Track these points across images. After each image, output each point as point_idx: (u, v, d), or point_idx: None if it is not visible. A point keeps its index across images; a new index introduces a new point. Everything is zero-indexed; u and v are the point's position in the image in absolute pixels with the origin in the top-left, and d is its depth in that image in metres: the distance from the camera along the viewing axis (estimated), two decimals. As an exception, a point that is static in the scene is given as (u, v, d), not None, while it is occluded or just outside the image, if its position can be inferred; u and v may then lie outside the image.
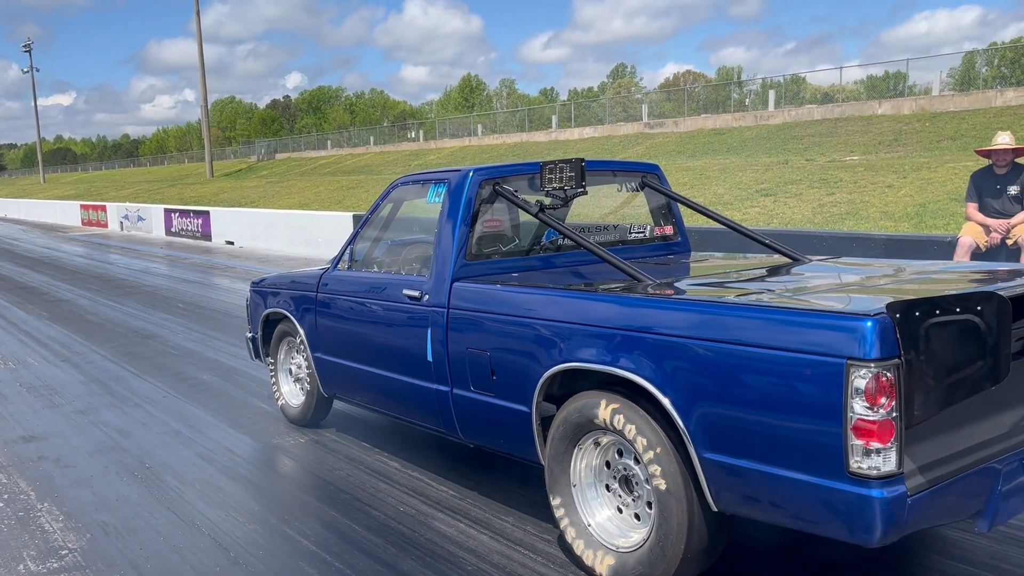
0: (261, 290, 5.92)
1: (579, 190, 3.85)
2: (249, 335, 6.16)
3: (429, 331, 4.19)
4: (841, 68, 39.51)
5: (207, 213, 22.81)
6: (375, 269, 4.88)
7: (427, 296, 4.23)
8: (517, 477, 4.62)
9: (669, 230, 5.04)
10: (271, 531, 4.04)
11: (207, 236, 22.57)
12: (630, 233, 4.92)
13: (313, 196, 32.85)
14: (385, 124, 73.78)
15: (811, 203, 16.35)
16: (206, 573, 3.60)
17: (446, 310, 4.10)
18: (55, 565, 3.72)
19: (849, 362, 2.52)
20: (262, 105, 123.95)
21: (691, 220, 6.51)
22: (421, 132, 59.71)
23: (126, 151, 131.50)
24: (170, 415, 6.03)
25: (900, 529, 2.57)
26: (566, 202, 4.02)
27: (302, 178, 43.45)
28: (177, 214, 24.62)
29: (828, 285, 3.60)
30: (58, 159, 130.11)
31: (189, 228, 23.62)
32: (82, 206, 33.08)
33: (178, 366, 7.59)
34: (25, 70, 79.07)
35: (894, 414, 2.52)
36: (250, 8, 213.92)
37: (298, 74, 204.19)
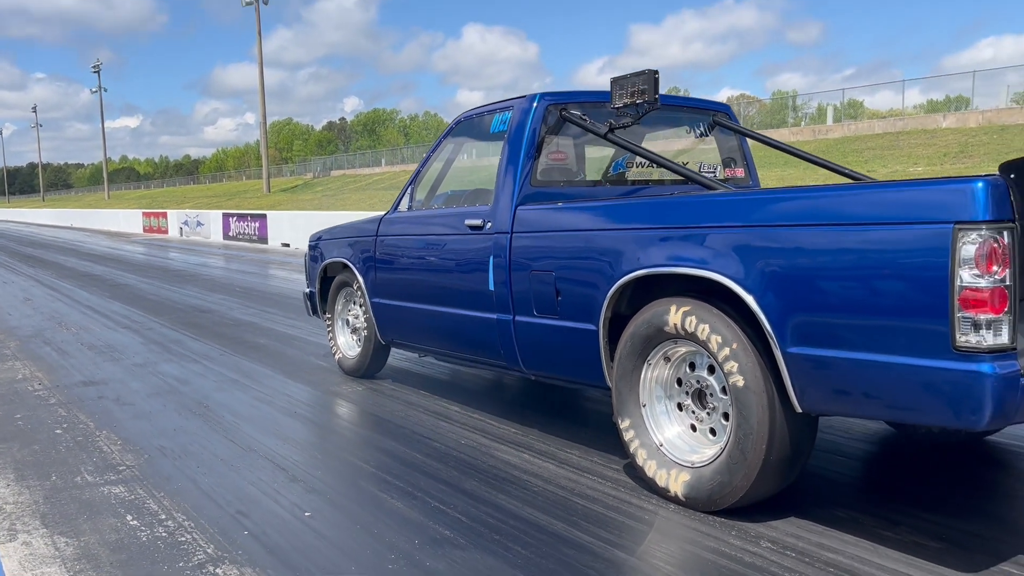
0: (319, 243, 5.88)
1: (651, 103, 3.71)
2: (307, 290, 6.13)
3: (492, 259, 4.07)
4: (904, 81, 38.56)
5: (264, 216, 23.16)
6: (435, 207, 4.79)
7: (490, 224, 4.12)
8: (580, 418, 4.47)
9: (740, 172, 4.86)
10: (330, 456, 3.95)
11: (263, 239, 22.89)
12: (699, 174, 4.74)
13: (368, 208, 33.18)
14: (438, 143, 74.28)
15: (874, 205, 15.90)
16: (264, 488, 3.50)
17: (509, 235, 3.98)
18: (113, 477, 3.67)
19: (957, 226, 2.32)
20: (319, 127, 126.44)
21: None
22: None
23: (187, 170, 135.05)
24: (227, 368, 6.00)
25: (1011, 411, 2.35)
26: (637, 119, 3.88)
27: (357, 192, 44.01)
28: (235, 218, 25.05)
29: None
30: (122, 178, 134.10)
31: (246, 232, 24.00)
32: (144, 213, 33.95)
33: (235, 333, 7.60)
34: (94, 90, 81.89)
35: (1007, 282, 2.32)
36: (313, 33, 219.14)
37: (356, 98, 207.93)
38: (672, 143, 4.86)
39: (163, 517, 3.18)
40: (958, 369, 2.35)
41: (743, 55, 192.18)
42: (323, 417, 4.72)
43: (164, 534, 3.02)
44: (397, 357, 6.27)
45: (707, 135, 4.85)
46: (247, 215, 24.35)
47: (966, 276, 2.33)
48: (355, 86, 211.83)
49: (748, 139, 4.92)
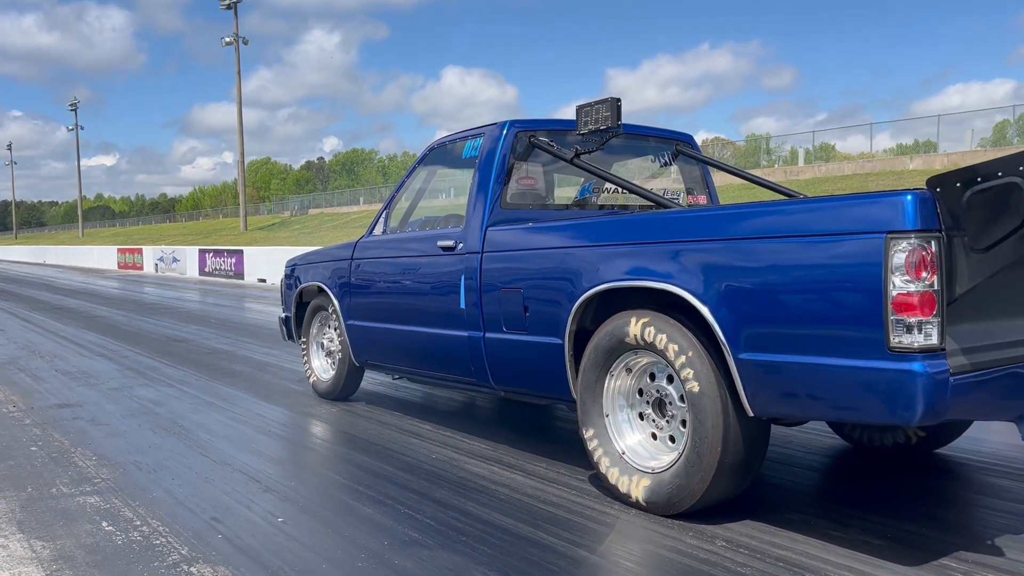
0: (295, 268, 6.00)
1: (615, 128, 3.91)
2: (282, 315, 6.23)
3: (463, 278, 4.23)
4: (872, 124, 39.67)
5: (240, 252, 23.19)
6: (409, 231, 4.95)
7: (461, 244, 4.28)
8: (549, 435, 4.60)
9: (703, 200, 5.07)
10: (303, 469, 4.04)
11: (240, 275, 22.91)
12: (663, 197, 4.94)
13: (344, 244, 33.28)
14: (416, 183, 74.74)
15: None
16: (238, 497, 3.59)
17: (480, 255, 4.14)
18: (88, 488, 3.73)
19: (889, 236, 2.51)
20: (297, 166, 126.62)
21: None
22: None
23: (163, 208, 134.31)
24: (203, 392, 6.07)
25: (941, 409, 2.51)
26: (601, 145, 4.08)
27: (334, 230, 44.11)
28: (211, 254, 25.06)
29: None
30: (97, 216, 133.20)
31: (222, 267, 24.01)
32: (119, 250, 33.82)
33: (211, 360, 7.66)
34: (70, 128, 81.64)
35: (935, 287, 2.50)
36: (293, 74, 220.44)
37: (335, 138, 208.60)
38: (637, 171, 5.07)
39: (138, 523, 3.26)
40: (892, 369, 2.52)
41: (718, 99, 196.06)
42: (297, 435, 4.81)
43: (139, 538, 3.10)
44: (371, 381, 6.37)
45: (670, 164, 5.07)
46: (223, 251, 24.38)
47: (898, 282, 2.51)
48: (334, 126, 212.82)
49: (711, 169, 5.14)
